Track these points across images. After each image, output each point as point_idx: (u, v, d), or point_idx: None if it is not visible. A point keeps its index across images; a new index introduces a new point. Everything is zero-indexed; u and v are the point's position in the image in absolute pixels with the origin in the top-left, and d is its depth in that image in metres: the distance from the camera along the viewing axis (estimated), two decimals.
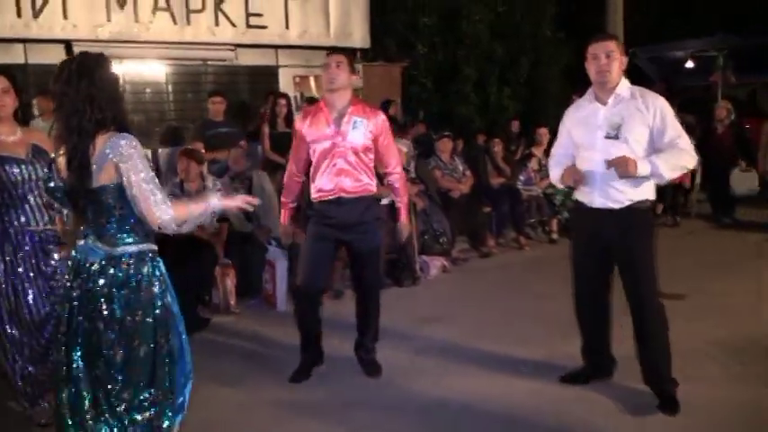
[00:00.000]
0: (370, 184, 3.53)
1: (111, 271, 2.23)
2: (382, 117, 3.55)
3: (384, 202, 5.65)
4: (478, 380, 3.61)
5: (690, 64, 11.21)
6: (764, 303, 4.75)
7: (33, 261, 2.91)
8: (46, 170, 2.89)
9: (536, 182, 7.14)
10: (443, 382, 3.60)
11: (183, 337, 2.39)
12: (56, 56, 6.87)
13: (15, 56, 6.81)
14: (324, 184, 3.46)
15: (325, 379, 3.65)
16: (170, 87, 7.89)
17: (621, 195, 3.09)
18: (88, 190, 2.20)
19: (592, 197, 3.18)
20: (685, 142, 3.04)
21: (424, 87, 10.48)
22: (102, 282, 2.23)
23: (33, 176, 2.88)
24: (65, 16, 6.85)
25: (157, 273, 2.30)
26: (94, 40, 6.97)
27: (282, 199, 3.71)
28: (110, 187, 2.18)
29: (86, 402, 2.24)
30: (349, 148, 3.42)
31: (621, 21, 9.43)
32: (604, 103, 3.14)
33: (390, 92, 9.60)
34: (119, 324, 2.23)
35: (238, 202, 2.38)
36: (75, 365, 2.24)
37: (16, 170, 2.84)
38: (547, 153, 7.33)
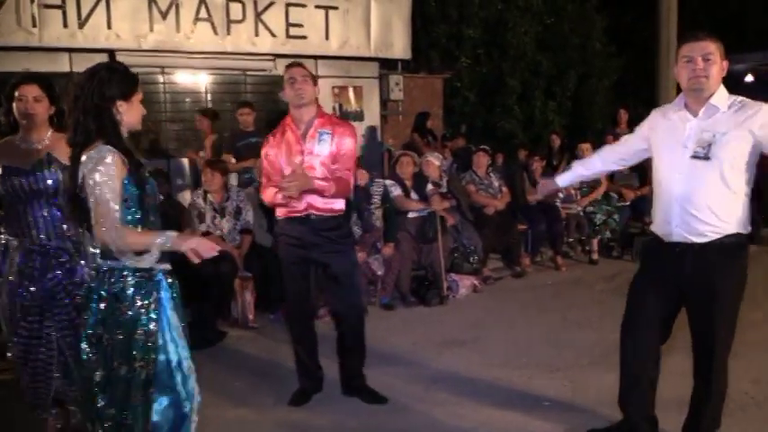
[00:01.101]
0: (339, 203, 3.35)
1: (93, 283, 2.20)
2: (348, 128, 3.37)
3: (412, 215, 5.53)
4: (495, 412, 3.39)
5: (750, 78, 10.68)
6: None
7: (32, 276, 2.85)
8: (50, 182, 2.85)
9: (576, 200, 6.85)
10: (457, 412, 3.40)
11: (183, 364, 2.27)
12: None
13: (61, 64, 6.98)
14: (294, 203, 3.27)
15: (333, 402, 3.50)
16: (209, 97, 7.95)
17: (706, 227, 2.59)
18: (78, 200, 2.18)
19: (668, 229, 2.68)
20: None
21: (466, 100, 10.30)
22: (82, 291, 2.26)
23: (35, 188, 2.80)
24: (109, 26, 6.98)
25: (144, 291, 2.20)
26: (137, 49, 7.09)
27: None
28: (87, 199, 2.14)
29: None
30: (318, 163, 3.27)
31: (675, 33, 9.04)
32: (695, 115, 2.63)
33: (431, 103, 9.47)
34: (96, 340, 2.17)
35: (191, 245, 2.14)
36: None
37: (16, 182, 2.79)
38: None
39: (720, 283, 2.61)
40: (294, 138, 3.31)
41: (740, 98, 2.64)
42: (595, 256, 6.86)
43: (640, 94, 10.80)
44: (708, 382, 2.71)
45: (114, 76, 2.19)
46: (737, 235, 2.62)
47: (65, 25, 6.83)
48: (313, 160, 3.27)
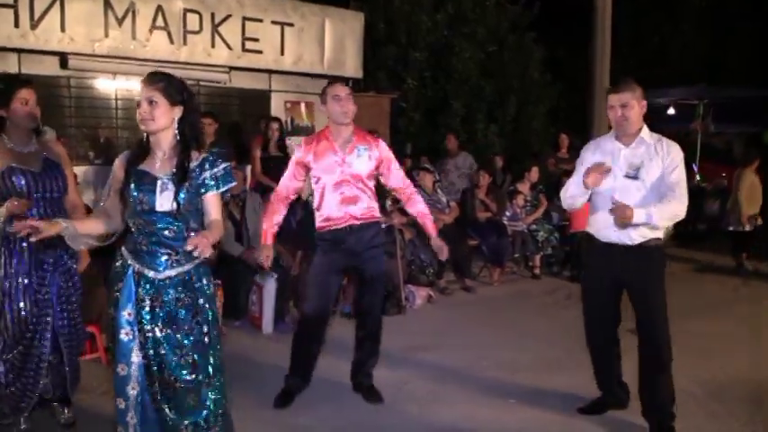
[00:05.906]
0: (375, 210, 3.60)
1: None
2: (383, 144, 3.62)
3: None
4: (469, 409, 3.62)
5: (671, 111, 11.58)
6: (744, 346, 4.85)
7: (27, 274, 2.89)
8: (59, 184, 2.95)
9: (522, 218, 7.24)
10: (433, 408, 3.61)
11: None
12: (50, 67, 6.90)
13: (8, 65, 6.77)
14: (332, 213, 3.49)
15: (313, 403, 3.62)
16: None
17: (636, 233, 3.17)
18: None
19: (608, 232, 3.25)
20: (681, 191, 3.13)
21: (412, 120, 10.64)
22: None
23: (41, 189, 2.88)
24: (62, 29, 6.84)
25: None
26: (90, 54, 6.99)
27: (266, 221, 3.59)
28: None
29: None
30: (355, 176, 3.47)
31: (608, 67, 9.68)
32: (626, 145, 3.24)
33: (379, 122, 9.71)
34: None
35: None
36: None
37: (23, 182, 2.83)
38: (533, 188, 7.50)
39: (649, 277, 3.24)
40: (331, 149, 3.45)
41: (659, 135, 3.26)
42: (538, 272, 7.26)
43: (571, 120, 11.52)
44: (655, 354, 3.24)
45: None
46: (658, 239, 3.24)
47: (16, 25, 6.65)
48: (352, 173, 3.45)
